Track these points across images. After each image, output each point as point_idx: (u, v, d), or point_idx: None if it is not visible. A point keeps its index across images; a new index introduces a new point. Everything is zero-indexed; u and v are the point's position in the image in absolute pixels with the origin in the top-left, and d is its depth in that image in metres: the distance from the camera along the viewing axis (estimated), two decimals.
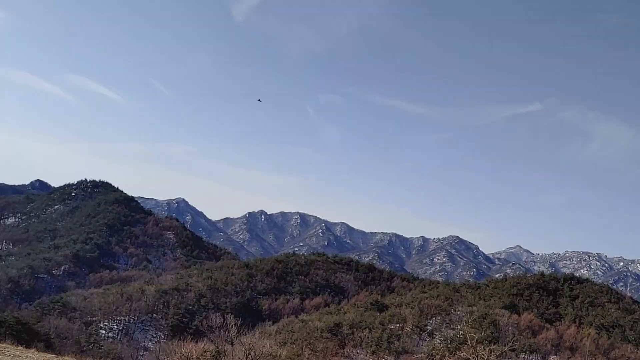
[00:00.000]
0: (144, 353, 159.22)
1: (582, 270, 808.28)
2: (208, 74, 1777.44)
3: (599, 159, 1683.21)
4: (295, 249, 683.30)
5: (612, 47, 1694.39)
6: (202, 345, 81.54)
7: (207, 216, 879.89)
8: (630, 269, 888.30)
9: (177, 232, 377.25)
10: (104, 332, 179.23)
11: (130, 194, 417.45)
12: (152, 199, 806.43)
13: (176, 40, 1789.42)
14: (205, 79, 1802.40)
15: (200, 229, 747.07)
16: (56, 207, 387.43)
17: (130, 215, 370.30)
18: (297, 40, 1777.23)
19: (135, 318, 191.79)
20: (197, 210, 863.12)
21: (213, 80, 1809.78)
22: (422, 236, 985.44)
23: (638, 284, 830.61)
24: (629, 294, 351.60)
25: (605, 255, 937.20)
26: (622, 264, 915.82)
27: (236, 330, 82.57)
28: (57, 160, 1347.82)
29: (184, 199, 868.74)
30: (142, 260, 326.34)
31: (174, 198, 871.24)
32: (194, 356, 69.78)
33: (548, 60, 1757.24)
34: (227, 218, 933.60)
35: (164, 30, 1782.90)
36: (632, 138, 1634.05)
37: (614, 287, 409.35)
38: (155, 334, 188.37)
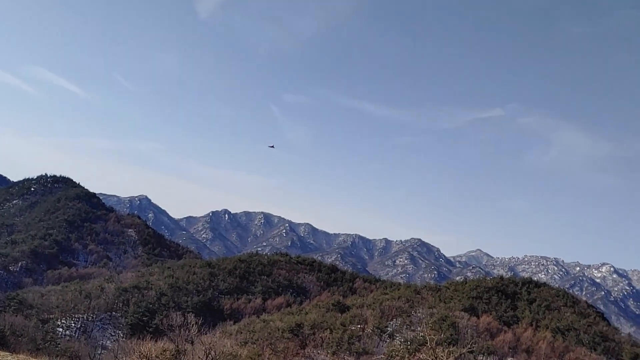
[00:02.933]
0: (102, 352, 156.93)
1: (540, 275, 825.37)
2: (173, 70, 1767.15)
3: (558, 166, 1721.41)
4: (259, 248, 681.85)
5: (573, 56, 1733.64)
6: (162, 344, 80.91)
7: (170, 214, 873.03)
8: (586, 274, 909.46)
9: (139, 230, 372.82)
10: (61, 330, 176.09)
11: (91, 190, 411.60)
12: (114, 195, 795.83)
13: (141, 35, 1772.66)
14: (170, 75, 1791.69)
15: (163, 227, 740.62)
16: (14, 202, 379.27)
17: (91, 211, 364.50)
18: (264, 39, 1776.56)
19: (94, 316, 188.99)
20: (160, 208, 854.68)
21: (179, 77, 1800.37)
22: (384, 238, 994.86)
23: (593, 289, 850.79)
24: (584, 298, 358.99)
25: (563, 260, 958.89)
26: (578, 269, 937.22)
27: (197, 330, 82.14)
28: (16, 154, 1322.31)
29: (146, 197, 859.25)
30: (103, 257, 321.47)
31: (136, 195, 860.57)
32: (153, 355, 69.25)
33: (510, 66, 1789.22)
34: (190, 216, 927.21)
35: (129, 24, 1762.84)
36: (591, 146, 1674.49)
37: (570, 291, 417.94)
38: (114, 332, 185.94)
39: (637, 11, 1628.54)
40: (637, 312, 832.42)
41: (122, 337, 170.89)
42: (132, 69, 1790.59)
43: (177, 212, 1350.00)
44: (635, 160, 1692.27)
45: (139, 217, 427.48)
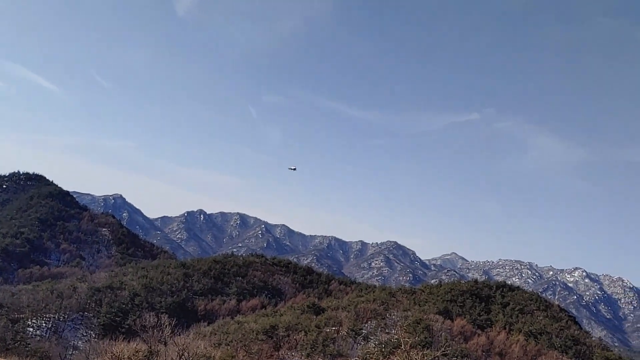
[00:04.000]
0: (73, 352, 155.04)
1: (513, 278, 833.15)
2: (150, 68, 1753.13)
3: (533, 171, 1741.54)
4: (234, 249, 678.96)
5: (549, 62, 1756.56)
6: (135, 345, 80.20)
7: (145, 214, 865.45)
8: (559, 278, 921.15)
9: (113, 229, 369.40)
10: (31, 330, 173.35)
11: (65, 189, 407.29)
12: (88, 194, 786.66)
13: (117, 32, 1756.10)
14: (146, 73, 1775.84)
15: (137, 227, 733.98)
16: None
17: (65, 210, 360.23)
18: (242, 38, 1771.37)
19: (66, 316, 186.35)
20: (135, 208, 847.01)
21: (155, 75, 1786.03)
22: (360, 240, 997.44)
23: (566, 293, 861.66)
24: (556, 302, 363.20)
25: (536, 265, 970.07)
26: (551, 273, 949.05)
27: (170, 331, 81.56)
28: None
29: (121, 195, 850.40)
30: (75, 256, 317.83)
31: (110, 194, 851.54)
32: (126, 356, 68.50)
33: (487, 71, 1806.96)
34: (165, 216, 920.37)
35: (105, 20, 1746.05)
36: (565, 151, 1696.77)
37: (543, 295, 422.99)
38: (86, 332, 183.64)
39: (614, 19, 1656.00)
40: (607, 317, 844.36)
41: (94, 338, 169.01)
42: (107, 65, 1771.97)
43: (152, 211, 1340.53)
44: (608, 166, 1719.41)
45: (113, 216, 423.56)
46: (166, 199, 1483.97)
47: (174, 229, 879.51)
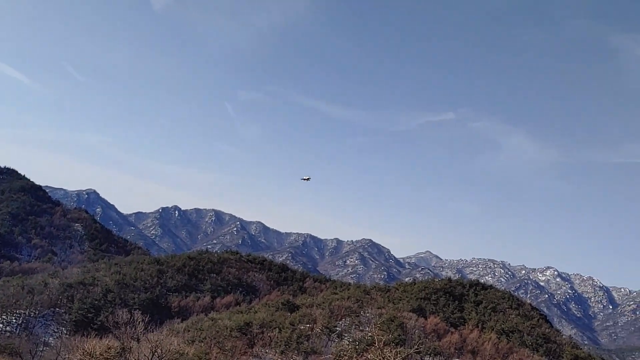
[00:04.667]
0: (44, 349, 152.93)
1: (487, 277, 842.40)
2: (125, 63, 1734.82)
3: (507, 170, 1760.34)
4: (209, 246, 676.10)
5: (524, 63, 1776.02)
6: (107, 341, 79.49)
7: (119, 209, 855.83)
8: (531, 277, 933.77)
9: (86, 224, 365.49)
10: (1, 325, 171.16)
11: (38, 183, 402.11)
12: (61, 189, 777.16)
13: (93, 25, 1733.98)
14: (122, 68, 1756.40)
15: (111, 222, 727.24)
16: None
17: (37, 204, 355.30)
18: (219, 34, 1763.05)
19: (37, 312, 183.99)
20: (109, 203, 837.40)
21: (131, 70, 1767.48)
22: (336, 238, 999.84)
23: (537, 292, 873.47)
24: (528, 301, 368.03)
25: (509, 264, 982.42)
26: (523, 272, 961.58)
27: (143, 327, 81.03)
28: None
29: (94, 191, 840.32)
30: (47, 252, 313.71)
31: (84, 189, 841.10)
32: (98, 353, 67.88)
33: (462, 71, 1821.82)
34: (139, 212, 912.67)
35: (80, 12, 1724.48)
36: (539, 152, 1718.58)
37: (516, 293, 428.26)
38: (57, 329, 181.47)
39: (589, 21, 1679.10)
40: (578, 315, 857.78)
41: (66, 334, 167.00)
42: (82, 59, 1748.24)
43: (126, 207, 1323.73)
44: (580, 167, 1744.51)
45: (87, 212, 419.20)
46: (141, 194, 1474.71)
47: (148, 225, 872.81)
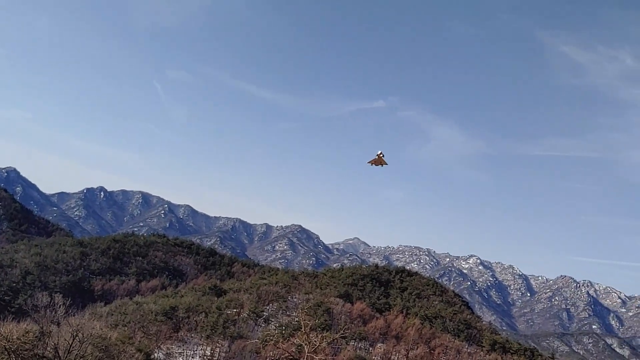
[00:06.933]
0: None
1: (412, 264, 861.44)
2: (49, 37, 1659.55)
3: (434, 160, 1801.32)
4: (135, 229, 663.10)
5: (456, 56, 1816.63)
6: (25, 325, 76.84)
7: (41, 189, 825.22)
8: (454, 265, 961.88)
9: (5, 204, 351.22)
10: None
11: None
12: None
13: None
14: (45, 42, 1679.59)
15: (32, 202, 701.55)
16: None
17: None
18: (149, 10, 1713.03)
19: None
20: (30, 182, 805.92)
21: (55, 45, 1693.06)
22: (266, 223, 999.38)
23: (461, 279, 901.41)
24: (452, 288, 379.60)
25: (434, 251, 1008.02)
26: (448, 259, 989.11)
27: (64, 311, 78.87)
28: None
29: (15, 169, 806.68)
30: None
31: (3, 167, 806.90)
32: (15, 337, 65.56)
33: (393, 61, 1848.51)
34: (62, 192, 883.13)
35: None
36: (465, 142, 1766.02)
37: (440, 280, 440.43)
38: None
39: (515, 15, 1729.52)
40: (498, 302, 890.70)
41: None
42: (2, 30, 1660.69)
43: (48, 187, 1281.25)
44: (503, 158, 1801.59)
45: (6, 191, 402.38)
46: (64, 174, 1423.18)
47: (72, 205, 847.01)
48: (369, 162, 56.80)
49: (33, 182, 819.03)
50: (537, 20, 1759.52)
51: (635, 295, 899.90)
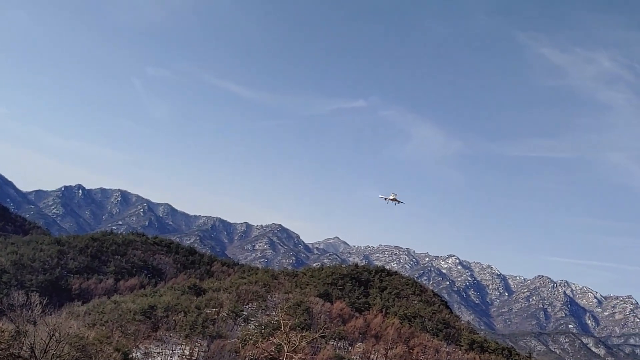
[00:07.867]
0: None
1: (392, 264, 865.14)
2: (27, 31, 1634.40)
3: (415, 159, 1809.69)
4: (114, 227, 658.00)
5: (436, 56, 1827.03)
6: (0, 324, 76.04)
7: (17, 186, 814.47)
8: (434, 265, 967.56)
9: None
10: None
11: None
12: None
13: None
14: (23, 36, 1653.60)
15: (8, 200, 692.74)
16: None
17: None
18: (129, 6, 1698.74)
19: None
20: (6, 179, 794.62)
21: (33, 39, 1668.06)
22: (246, 222, 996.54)
23: (440, 279, 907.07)
24: (431, 287, 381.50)
25: (414, 251, 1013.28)
26: (427, 259, 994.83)
27: (40, 310, 78.10)
28: None
29: None
30: None
31: None
32: None
33: (374, 60, 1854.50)
34: (40, 190, 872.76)
35: None
36: (444, 143, 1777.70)
37: (419, 280, 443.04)
38: None
39: (496, 17, 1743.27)
40: (476, 302, 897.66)
41: None
42: None
43: (25, 184, 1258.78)
44: (481, 159, 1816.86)
45: None
46: (42, 171, 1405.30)
47: (50, 203, 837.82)
48: (382, 197, 57.65)
49: (9, 179, 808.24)
50: (516, 22, 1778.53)
51: (611, 295, 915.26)
